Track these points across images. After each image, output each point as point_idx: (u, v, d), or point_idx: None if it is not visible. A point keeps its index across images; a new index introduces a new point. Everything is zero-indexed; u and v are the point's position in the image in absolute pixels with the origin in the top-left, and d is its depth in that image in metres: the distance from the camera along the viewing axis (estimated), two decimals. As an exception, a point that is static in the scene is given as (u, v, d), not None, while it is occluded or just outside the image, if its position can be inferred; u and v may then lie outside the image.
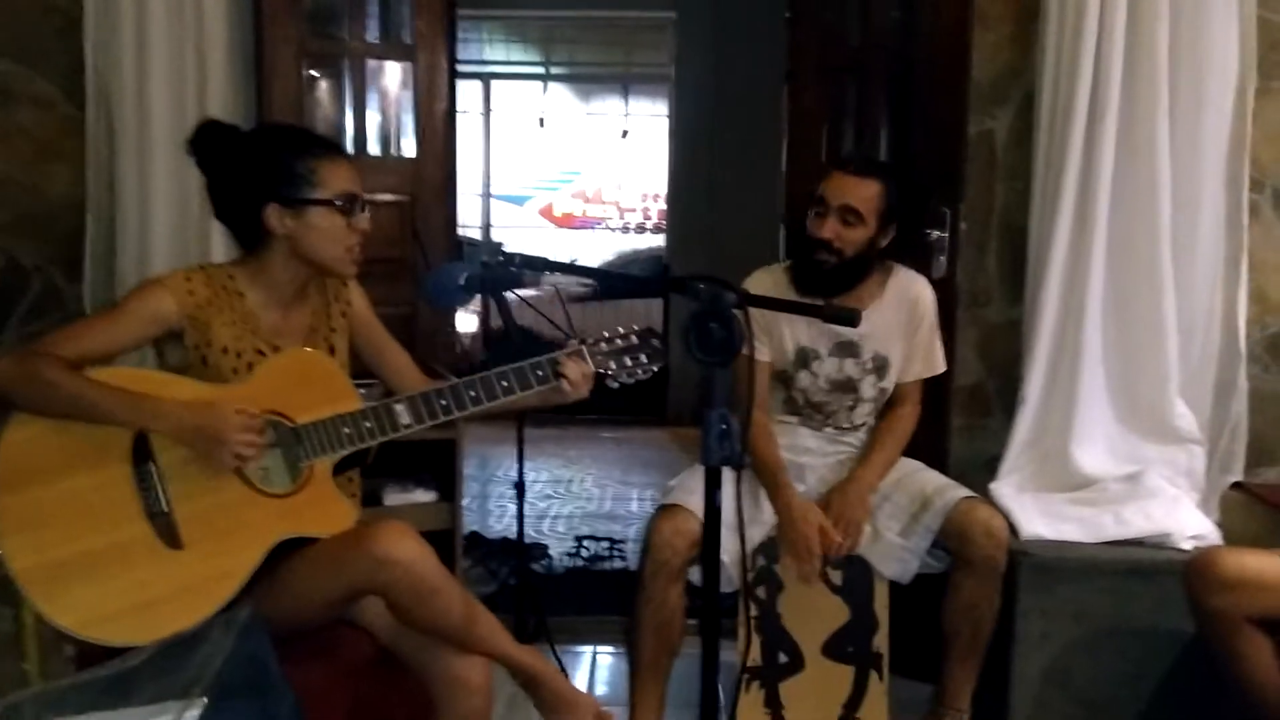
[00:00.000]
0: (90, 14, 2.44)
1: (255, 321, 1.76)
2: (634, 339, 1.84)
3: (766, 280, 2.32)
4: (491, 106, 10.75)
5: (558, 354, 1.78)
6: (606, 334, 1.84)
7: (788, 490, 2.25)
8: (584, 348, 1.81)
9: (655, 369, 1.84)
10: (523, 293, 4.05)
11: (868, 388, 2.33)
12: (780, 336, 2.28)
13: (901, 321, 2.30)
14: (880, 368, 2.31)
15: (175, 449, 1.63)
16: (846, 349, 2.29)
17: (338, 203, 1.73)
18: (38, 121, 2.62)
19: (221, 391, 1.69)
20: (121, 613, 1.54)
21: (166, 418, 1.61)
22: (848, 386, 2.31)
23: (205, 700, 1.11)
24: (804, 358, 2.29)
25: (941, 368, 2.39)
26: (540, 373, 1.77)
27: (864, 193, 2.18)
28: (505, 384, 1.75)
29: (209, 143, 1.78)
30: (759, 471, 2.27)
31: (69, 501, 1.59)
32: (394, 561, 1.57)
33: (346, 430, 1.70)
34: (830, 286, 2.22)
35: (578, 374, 1.77)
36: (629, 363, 1.82)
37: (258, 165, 1.74)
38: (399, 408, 1.73)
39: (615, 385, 1.84)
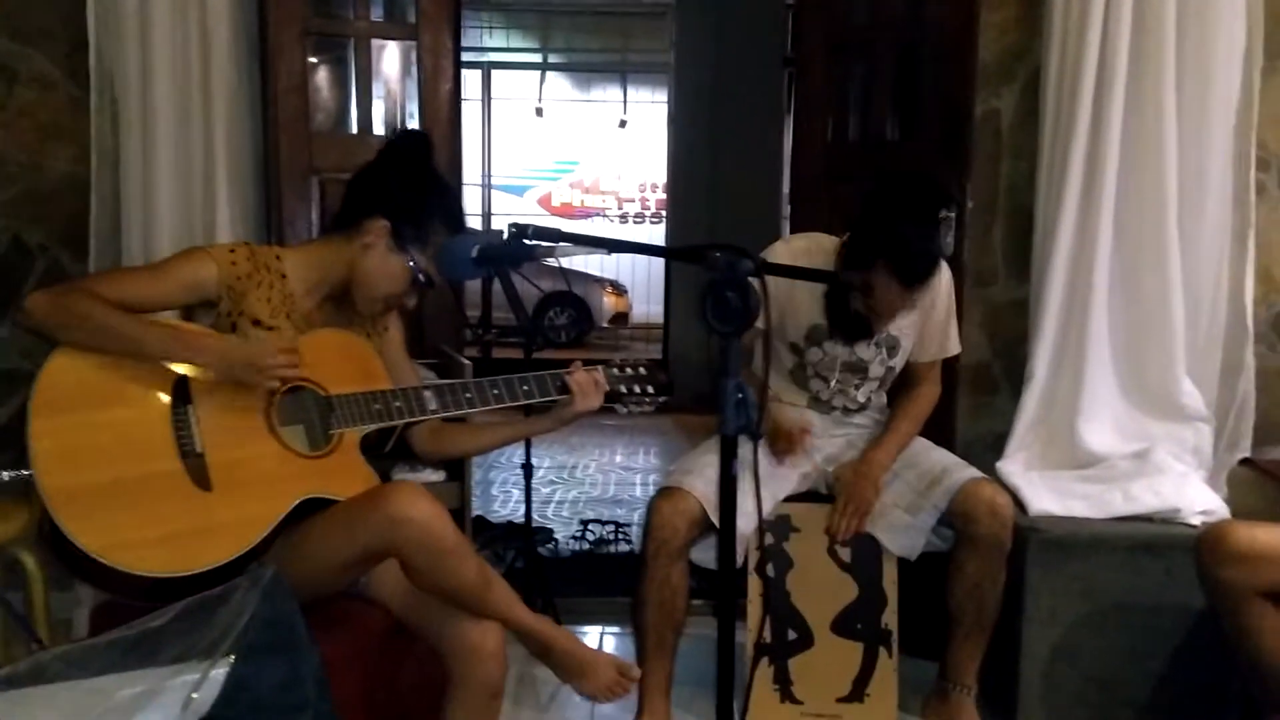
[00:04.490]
0: (92, -7, 2.43)
1: (293, 303, 1.80)
2: (643, 370, 1.97)
3: (799, 247, 2.28)
4: (492, 95, 10.74)
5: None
6: (620, 359, 1.97)
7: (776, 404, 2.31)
8: (599, 366, 1.92)
9: (659, 402, 1.98)
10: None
11: (876, 366, 2.32)
12: (796, 310, 2.27)
13: (918, 301, 2.28)
14: (891, 347, 2.30)
15: (214, 396, 1.65)
16: None
17: (420, 276, 1.82)
18: (40, 101, 2.62)
19: None
20: (145, 542, 1.54)
21: (204, 351, 1.64)
22: (856, 366, 2.31)
23: (232, 658, 1.11)
24: (817, 335, 2.28)
25: (955, 350, 2.38)
26: (558, 382, 1.87)
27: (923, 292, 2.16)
28: (525, 388, 1.86)
29: (408, 149, 1.86)
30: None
31: (106, 430, 1.59)
32: (408, 520, 1.57)
33: (377, 406, 1.76)
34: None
35: (586, 380, 1.87)
36: (637, 390, 1.95)
37: (411, 194, 1.81)
38: (428, 394, 1.81)
39: (623, 410, 1.97)
